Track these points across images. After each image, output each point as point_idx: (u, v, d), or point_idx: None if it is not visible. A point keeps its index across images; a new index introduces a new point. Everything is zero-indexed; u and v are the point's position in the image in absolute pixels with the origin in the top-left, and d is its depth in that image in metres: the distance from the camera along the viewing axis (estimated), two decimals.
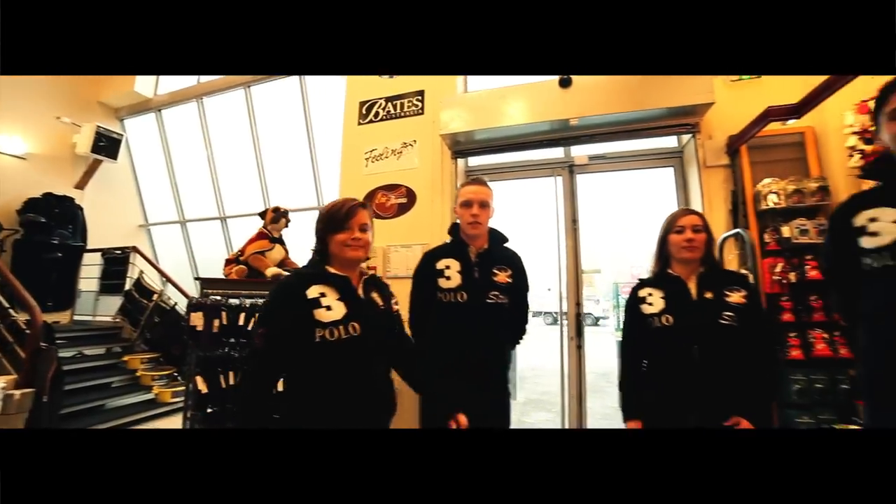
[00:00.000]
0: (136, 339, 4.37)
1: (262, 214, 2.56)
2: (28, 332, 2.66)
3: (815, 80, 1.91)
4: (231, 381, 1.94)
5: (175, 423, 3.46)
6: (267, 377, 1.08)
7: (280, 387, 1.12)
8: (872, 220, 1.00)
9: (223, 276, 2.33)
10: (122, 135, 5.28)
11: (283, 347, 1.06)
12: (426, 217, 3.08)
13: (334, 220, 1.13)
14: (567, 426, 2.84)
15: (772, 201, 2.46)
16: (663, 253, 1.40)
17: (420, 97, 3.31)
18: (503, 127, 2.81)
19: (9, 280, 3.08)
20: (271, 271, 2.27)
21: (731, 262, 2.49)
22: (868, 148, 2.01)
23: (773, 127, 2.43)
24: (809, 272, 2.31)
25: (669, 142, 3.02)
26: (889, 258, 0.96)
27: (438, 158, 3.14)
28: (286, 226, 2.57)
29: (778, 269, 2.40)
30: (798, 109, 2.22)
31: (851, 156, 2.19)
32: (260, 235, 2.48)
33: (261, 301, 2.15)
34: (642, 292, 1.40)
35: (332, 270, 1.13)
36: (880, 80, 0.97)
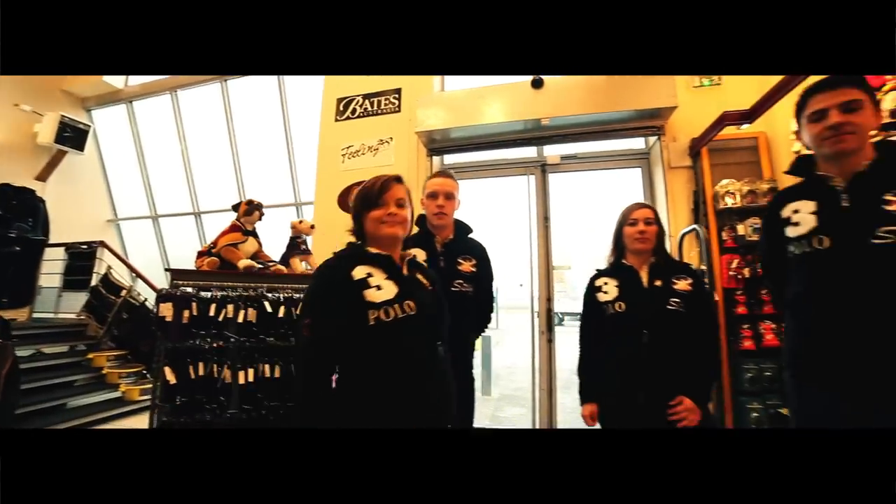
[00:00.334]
0: (102, 336, 4.23)
1: (236, 207, 2.54)
2: None
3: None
4: (201, 372, 1.93)
5: (143, 421, 3.37)
6: (320, 370, 0.98)
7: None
8: (795, 211, 1.11)
9: (195, 269, 2.30)
10: (89, 126, 5.10)
11: (333, 335, 0.97)
12: None
13: (368, 197, 1.06)
14: (538, 420, 2.92)
15: (729, 201, 2.61)
16: (618, 244, 1.49)
17: (397, 95, 3.35)
18: (478, 125, 2.88)
19: None
20: (244, 263, 2.26)
21: (693, 258, 2.63)
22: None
23: (731, 132, 2.59)
24: (760, 268, 2.46)
25: (637, 143, 3.16)
26: (807, 245, 1.06)
27: (414, 156, 3.19)
28: (260, 219, 2.56)
29: (734, 264, 2.55)
30: (750, 114, 2.38)
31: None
32: (233, 228, 2.46)
33: (233, 293, 2.14)
34: (598, 282, 1.49)
35: (373, 250, 1.06)
36: None
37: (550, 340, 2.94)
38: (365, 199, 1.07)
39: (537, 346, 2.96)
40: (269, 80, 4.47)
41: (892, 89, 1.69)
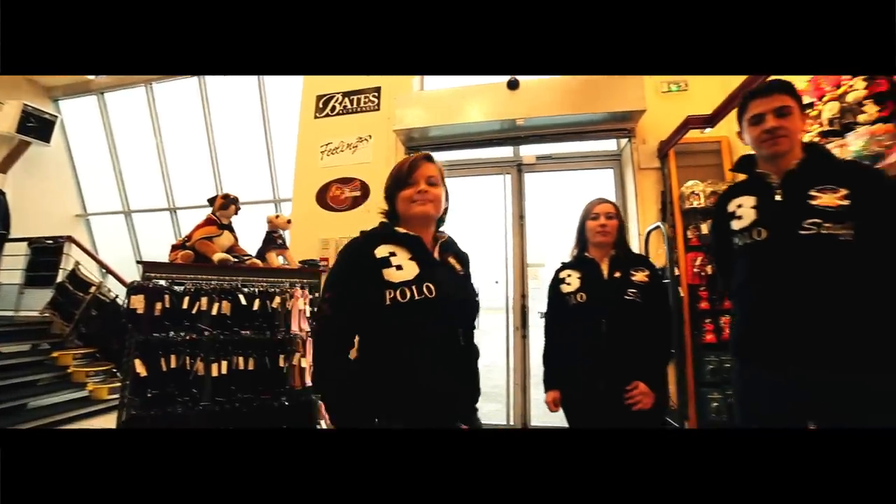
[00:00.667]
0: (68, 333, 4.09)
1: (212, 201, 2.52)
2: None
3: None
4: (173, 365, 1.92)
5: (113, 420, 3.28)
6: (336, 346, 0.97)
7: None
8: (739, 206, 1.20)
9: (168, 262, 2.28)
10: (56, 116, 4.92)
11: (350, 312, 0.96)
12: (379, 210, 3.17)
13: (398, 176, 1.04)
14: (511, 416, 2.99)
15: (694, 202, 2.74)
16: (581, 238, 1.57)
17: (377, 93, 3.39)
18: (455, 125, 2.94)
19: None
20: (218, 256, 2.25)
21: (661, 256, 2.75)
22: None
23: (696, 136, 2.73)
24: (711, 262, 2.57)
25: (610, 146, 3.28)
26: (748, 237, 1.16)
27: (392, 154, 3.23)
28: (236, 213, 2.55)
29: (698, 262, 2.68)
30: (711, 119, 2.52)
31: None
32: (208, 221, 2.45)
33: (207, 286, 2.13)
34: (562, 274, 1.56)
35: (401, 230, 1.03)
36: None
37: (525, 336, 3.02)
38: (395, 180, 1.05)
39: (512, 342, 3.03)
40: (249, 76, 4.42)
41: (831, 100, 1.83)
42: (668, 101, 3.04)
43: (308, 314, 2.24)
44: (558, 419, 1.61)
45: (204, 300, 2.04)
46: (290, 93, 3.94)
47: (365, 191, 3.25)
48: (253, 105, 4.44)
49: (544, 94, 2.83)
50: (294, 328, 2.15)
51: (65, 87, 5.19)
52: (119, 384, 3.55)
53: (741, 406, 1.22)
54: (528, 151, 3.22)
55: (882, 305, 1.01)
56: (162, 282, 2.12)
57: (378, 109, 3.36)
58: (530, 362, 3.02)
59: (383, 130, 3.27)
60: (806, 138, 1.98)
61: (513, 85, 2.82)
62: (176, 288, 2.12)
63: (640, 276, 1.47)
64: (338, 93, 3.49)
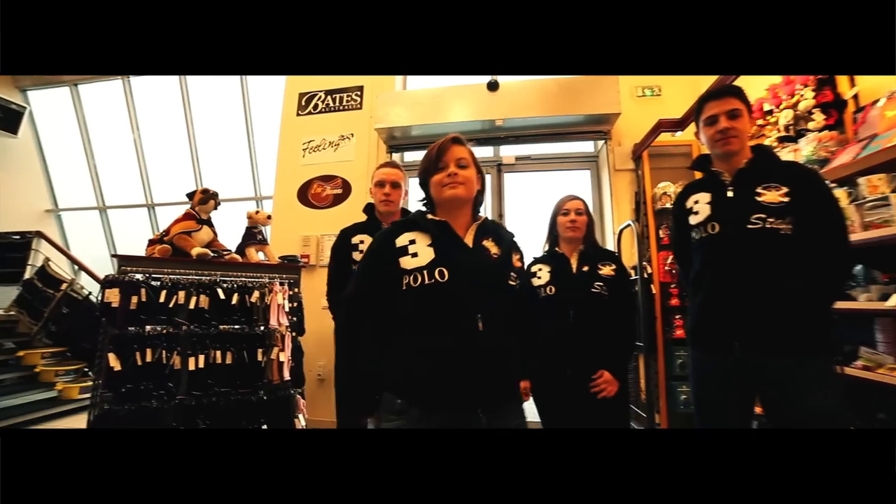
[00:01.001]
0: (36, 332, 3.95)
1: (191, 195, 2.50)
2: None
3: None
4: (148, 359, 1.90)
5: (83, 420, 3.20)
6: (351, 329, 1.04)
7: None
8: (696, 202, 1.29)
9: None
10: (24, 107, 4.75)
11: (369, 296, 1.02)
12: (361, 208, 3.20)
13: (428, 161, 1.04)
14: None
15: (667, 202, 2.86)
16: (553, 233, 1.64)
17: (359, 92, 3.41)
18: (437, 124, 2.99)
19: None
20: (197, 251, 2.23)
21: (634, 254, 2.85)
22: None
23: (668, 139, 2.85)
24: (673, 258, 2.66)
25: (587, 147, 3.39)
26: (703, 231, 1.24)
27: (374, 153, 3.26)
28: (215, 208, 2.53)
29: (669, 260, 2.79)
30: (681, 123, 2.65)
31: None
32: (187, 216, 2.42)
33: (185, 279, 2.12)
34: (534, 268, 1.63)
35: (430, 217, 1.04)
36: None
37: None
38: (426, 165, 1.05)
39: None
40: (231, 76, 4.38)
41: (786, 108, 1.96)
42: (642, 105, 3.16)
43: (287, 309, 2.24)
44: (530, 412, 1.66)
45: (181, 294, 2.03)
46: (273, 90, 3.92)
47: (347, 189, 3.26)
48: (235, 102, 4.39)
49: (523, 96, 2.91)
50: (273, 322, 2.16)
51: (34, 78, 5.00)
52: (90, 383, 3.48)
53: (695, 390, 1.31)
54: (508, 152, 3.29)
55: (813, 293, 1.11)
56: (138, 276, 2.10)
57: (361, 108, 3.38)
58: None
59: (366, 129, 3.30)
60: (766, 143, 2.12)
61: (492, 86, 2.89)
62: (153, 283, 2.10)
63: (606, 269, 1.55)
64: (321, 91, 3.50)
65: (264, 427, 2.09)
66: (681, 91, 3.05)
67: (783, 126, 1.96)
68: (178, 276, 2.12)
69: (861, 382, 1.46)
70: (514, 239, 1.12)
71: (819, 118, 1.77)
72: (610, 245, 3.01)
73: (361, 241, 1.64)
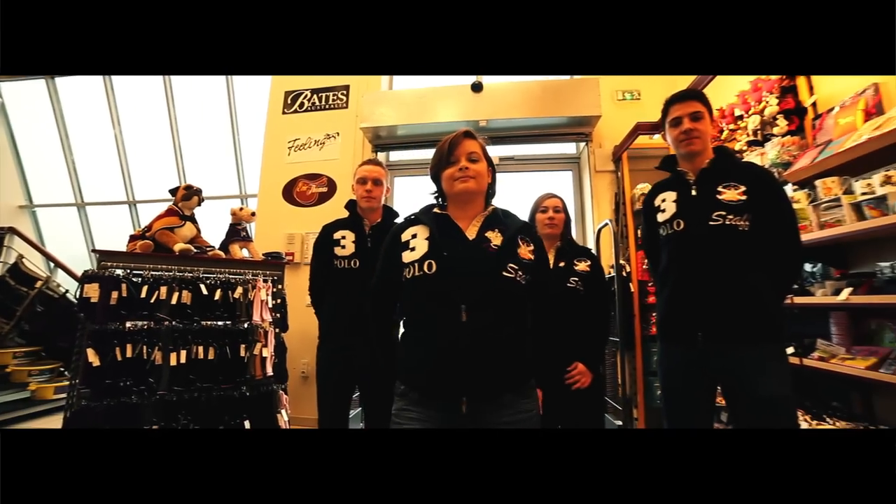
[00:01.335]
0: (7, 331, 3.84)
1: (174, 191, 2.49)
2: None
3: None
4: (129, 354, 1.88)
5: (58, 421, 3.13)
6: (373, 314, 1.14)
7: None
8: (663, 200, 1.36)
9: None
10: None
11: (385, 289, 1.09)
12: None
13: (440, 156, 1.06)
14: None
15: None
16: None
17: (345, 91, 3.43)
18: (421, 124, 3.03)
19: None
20: (179, 247, 2.22)
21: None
22: None
23: (647, 141, 2.94)
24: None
25: (569, 149, 3.47)
26: (669, 228, 1.31)
27: (360, 151, 3.28)
28: (199, 204, 2.52)
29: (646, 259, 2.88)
30: (659, 126, 2.73)
31: None
32: (170, 212, 2.41)
33: (167, 274, 2.12)
34: None
35: (437, 211, 1.07)
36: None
37: None
38: (438, 159, 1.07)
39: None
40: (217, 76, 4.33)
41: (754, 113, 2.07)
42: (622, 108, 3.26)
43: (270, 305, 2.25)
44: None
45: (163, 289, 2.02)
46: (259, 87, 3.91)
47: (332, 187, 3.28)
48: (220, 98, 4.35)
49: (506, 98, 2.98)
50: (256, 318, 2.16)
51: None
52: (68, 383, 3.40)
53: (663, 382, 1.37)
54: (492, 153, 3.30)
55: (768, 286, 1.19)
56: (119, 271, 2.08)
57: (346, 107, 3.41)
58: None
59: (351, 128, 3.32)
60: (737, 146, 2.22)
61: (477, 87, 2.95)
62: (134, 279, 2.08)
63: (582, 265, 1.60)
64: (307, 89, 3.51)
65: (246, 423, 2.09)
66: (660, 95, 3.09)
67: (752, 130, 2.06)
68: (160, 272, 2.11)
69: (817, 372, 1.55)
70: (527, 227, 1.11)
71: (783, 124, 1.87)
72: (590, 244, 3.09)
73: (343, 237, 1.66)
